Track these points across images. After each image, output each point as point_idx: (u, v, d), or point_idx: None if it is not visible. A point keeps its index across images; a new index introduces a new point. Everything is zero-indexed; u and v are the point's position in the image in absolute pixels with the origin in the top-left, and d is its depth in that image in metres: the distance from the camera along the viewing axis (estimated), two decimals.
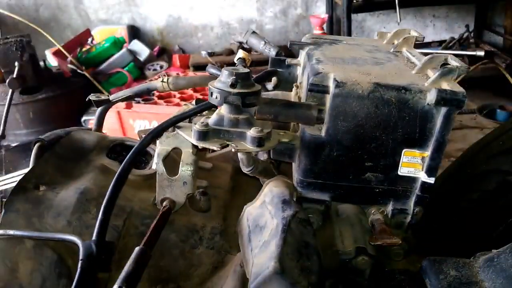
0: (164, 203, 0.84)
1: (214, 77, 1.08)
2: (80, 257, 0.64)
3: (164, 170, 0.82)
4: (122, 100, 1.23)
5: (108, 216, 0.68)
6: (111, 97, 1.21)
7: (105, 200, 0.68)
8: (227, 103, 0.69)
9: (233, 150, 0.69)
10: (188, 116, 0.78)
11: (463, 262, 0.70)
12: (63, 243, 0.80)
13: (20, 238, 0.78)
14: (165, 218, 0.81)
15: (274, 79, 0.98)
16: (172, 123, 0.77)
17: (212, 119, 0.71)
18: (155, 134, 0.76)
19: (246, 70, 0.70)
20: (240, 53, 1.12)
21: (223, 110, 0.71)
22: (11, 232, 0.78)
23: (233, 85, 0.67)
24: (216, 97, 0.69)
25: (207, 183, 0.94)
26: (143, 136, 0.77)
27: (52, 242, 0.80)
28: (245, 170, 0.83)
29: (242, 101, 0.68)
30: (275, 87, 0.98)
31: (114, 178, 0.70)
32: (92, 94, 1.18)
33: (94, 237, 0.66)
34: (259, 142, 0.68)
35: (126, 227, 0.85)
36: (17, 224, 0.82)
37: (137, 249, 0.68)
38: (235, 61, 1.11)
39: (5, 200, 0.88)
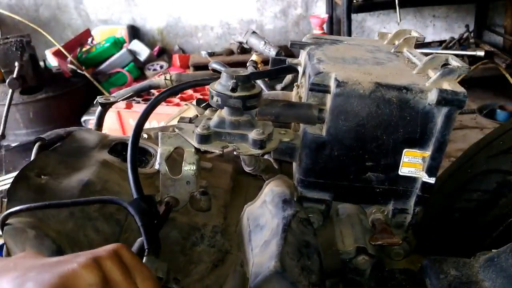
0: (166, 199, 0.85)
1: (216, 74, 1.08)
2: (136, 216, 0.66)
3: (167, 170, 0.83)
4: (126, 98, 1.23)
5: (136, 173, 0.70)
6: (113, 96, 1.21)
7: (128, 159, 0.71)
8: (228, 106, 0.69)
9: (235, 153, 0.70)
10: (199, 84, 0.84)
11: (463, 262, 0.71)
12: (64, 234, 0.80)
13: (23, 228, 0.78)
14: (167, 214, 0.81)
15: (288, 77, 0.97)
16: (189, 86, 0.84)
17: (213, 121, 0.71)
18: (172, 92, 0.83)
19: (246, 72, 0.70)
20: (254, 56, 1.12)
21: (224, 112, 0.71)
22: (54, 202, 0.79)
23: (233, 90, 0.67)
24: (217, 101, 0.69)
25: (207, 183, 0.94)
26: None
27: (53, 233, 0.79)
28: (247, 169, 0.83)
29: (243, 104, 0.68)
30: (285, 88, 0.98)
31: (131, 135, 0.73)
32: (99, 96, 1.18)
33: (135, 195, 0.68)
34: (261, 144, 0.68)
35: (128, 222, 0.86)
36: (20, 214, 0.81)
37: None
38: (248, 62, 1.11)
39: (5, 200, 0.88)
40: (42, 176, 0.87)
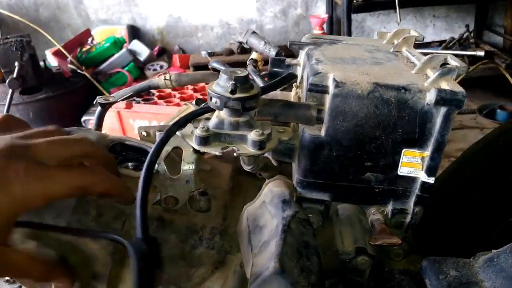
0: (166, 200, 0.85)
1: (216, 74, 1.07)
2: (132, 256, 0.62)
3: (166, 170, 0.83)
4: (125, 98, 1.23)
5: (145, 211, 0.67)
6: (113, 96, 1.21)
7: (138, 197, 0.67)
8: (227, 107, 0.69)
9: (235, 154, 0.69)
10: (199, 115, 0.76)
11: (463, 262, 0.70)
12: (65, 243, 0.81)
13: (22, 239, 0.79)
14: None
15: None
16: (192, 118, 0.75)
17: (212, 122, 0.71)
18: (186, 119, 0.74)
19: (245, 72, 0.70)
20: (254, 55, 1.12)
21: (223, 113, 0.71)
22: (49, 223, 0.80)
23: (232, 92, 0.66)
24: (216, 102, 0.69)
25: (205, 186, 0.94)
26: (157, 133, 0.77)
27: (54, 242, 0.80)
28: (246, 168, 0.83)
29: (242, 105, 0.68)
30: (284, 88, 0.98)
31: (143, 171, 0.70)
32: (99, 96, 1.18)
33: (139, 234, 0.64)
34: (260, 145, 0.68)
35: (125, 230, 0.86)
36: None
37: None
38: (248, 61, 1.11)
39: None
40: None
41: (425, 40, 4.04)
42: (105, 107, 1.19)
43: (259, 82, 0.94)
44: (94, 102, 1.18)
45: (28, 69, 3.08)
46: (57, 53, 3.57)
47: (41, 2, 4.39)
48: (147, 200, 0.69)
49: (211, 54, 4.06)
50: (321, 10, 4.37)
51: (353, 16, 3.44)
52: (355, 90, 0.65)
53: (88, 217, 0.84)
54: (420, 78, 0.69)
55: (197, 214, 0.91)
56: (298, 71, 0.93)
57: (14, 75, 2.94)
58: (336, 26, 4.20)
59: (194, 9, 4.42)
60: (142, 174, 0.70)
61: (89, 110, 3.36)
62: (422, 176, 0.70)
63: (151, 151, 0.72)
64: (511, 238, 0.70)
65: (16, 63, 2.98)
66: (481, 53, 3.54)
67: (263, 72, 1.05)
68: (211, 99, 0.69)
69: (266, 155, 0.86)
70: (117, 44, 4.00)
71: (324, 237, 0.80)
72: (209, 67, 1.18)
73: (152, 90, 3.15)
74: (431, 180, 0.70)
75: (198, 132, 0.69)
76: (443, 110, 0.65)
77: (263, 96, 0.75)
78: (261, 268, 0.64)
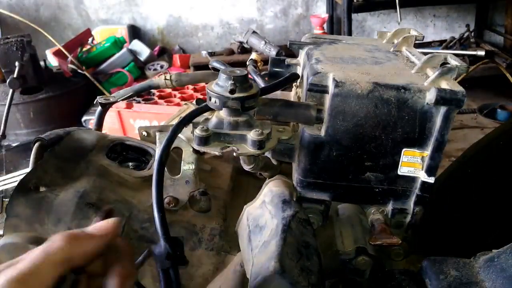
0: (166, 200, 0.85)
1: (216, 73, 1.07)
2: (156, 260, 0.63)
3: (166, 170, 0.82)
4: (125, 98, 1.23)
5: (163, 213, 0.65)
6: (113, 96, 1.21)
7: (154, 200, 0.66)
8: (227, 107, 0.68)
9: (234, 154, 0.69)
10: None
11: (463, 262, 0.70)
12: None
13: (24, 244, 0.80)
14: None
15: None
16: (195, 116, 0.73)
17: (212, 122, 0.71)
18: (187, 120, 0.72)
19: (244, 72, 0.69)
20: (253, 55, 1.12)
21: (222, 113, 0.71)
22: None
23: (232, 91, 0.66)
24: (215, 102, 0.68)
25: (206, 186, 0.94)
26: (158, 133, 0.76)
27: None
28: (246, 168, 0.82)
29: (241, 105, 0.67)
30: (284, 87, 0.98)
31: (154, 174, 0.68)
32: (99, 96, 1.18)
33: (161, 237, 0.64)
34: (260, 145, 0.68)
35: (125, 232, 0.86)
36: (20, 229, 0.83)
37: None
38: (247, 62, 1.11)
39: (5, 200, 0.89)
40: (40, 188, 0.87)
41: (426, 40, 4.04)
42: (106, 107, 1.19)
43: (260, 82, 0.94)
44: (95, 102, 1.18)
45: (28, 69, 3.08)
46: (58, 53, 3.57)
47: (41, 2, 4.39)
48: (163, 202, 0.68)
49: (212, 54, 4.05)
50: (321, 10, 4.37)
51: (354, 15, 3.44)
52: (355, 89, 0.65)
53: (88, 221, 0.84)
54: (420, 77, 0.69)
55: (197, 214, 0.91)
56: (298, 70, 0.93)
57: (15, 75, 2.94)
58: (336, 26, 4.20)
59: (195, 9, 4.41)
60: (154, 177, 0.67)
61: (89, 110, 3.36)
62: (422, 176, 0.70)
63: (159, 151, 0.71)
64: (511, 238, 0.70)
65: (17, 63, 2.98)
66: (482, 53, 3.54)
67: (263, 72, 1.05)
68: (210, 99, 0.69)
69: (266, 154, 0.86)
70: (118, 44, 3.99)
71: (324, 237, 0.80)
72: (210, 66, 1.18)
73: (152, 90, 3.15)
74: (431, 180, 0.70)
75: (197, 132, 0.68)
76: (443, 109, 0.65)
77: (264, 96, 0.75)
78: (261, 268, 0.63)
